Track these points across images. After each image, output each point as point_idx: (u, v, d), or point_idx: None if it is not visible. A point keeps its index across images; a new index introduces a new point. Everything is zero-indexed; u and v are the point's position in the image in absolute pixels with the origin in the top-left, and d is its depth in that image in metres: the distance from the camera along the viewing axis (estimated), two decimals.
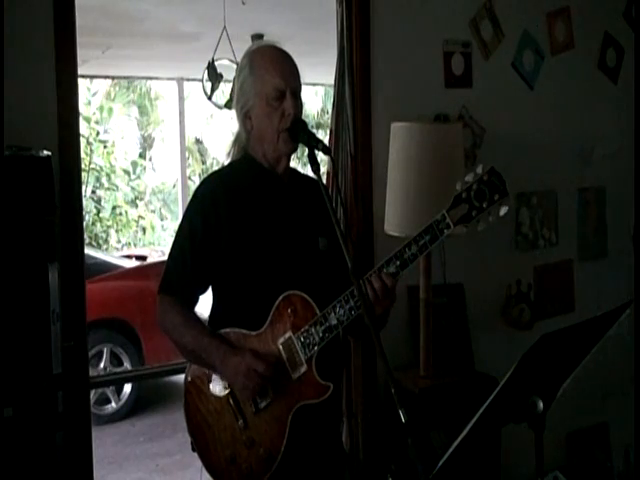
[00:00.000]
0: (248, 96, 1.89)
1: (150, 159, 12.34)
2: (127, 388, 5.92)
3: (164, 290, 1.91)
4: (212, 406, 1.88)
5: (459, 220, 1.69)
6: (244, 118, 1.92)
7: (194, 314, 1.90)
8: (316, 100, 12.19)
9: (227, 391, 1.85)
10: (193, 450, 1.93)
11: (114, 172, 11.22)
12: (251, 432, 1.83)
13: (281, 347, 1.81)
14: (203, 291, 1.95)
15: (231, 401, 1.84)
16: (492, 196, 1.68)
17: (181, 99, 9.06)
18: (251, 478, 1.82)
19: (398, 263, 1.73)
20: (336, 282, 1.87)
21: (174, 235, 1.97)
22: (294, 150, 1.92)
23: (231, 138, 2.04)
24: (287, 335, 1.81)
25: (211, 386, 1.89)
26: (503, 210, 1.68)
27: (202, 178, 2.06)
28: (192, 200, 1.94)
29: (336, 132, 2.84)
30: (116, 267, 6.62)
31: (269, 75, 1.86)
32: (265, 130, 1.89)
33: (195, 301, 1.93)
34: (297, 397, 1.80)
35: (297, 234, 1.92)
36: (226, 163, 2.03)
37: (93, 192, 10.98)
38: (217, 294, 1.95)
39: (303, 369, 1.79)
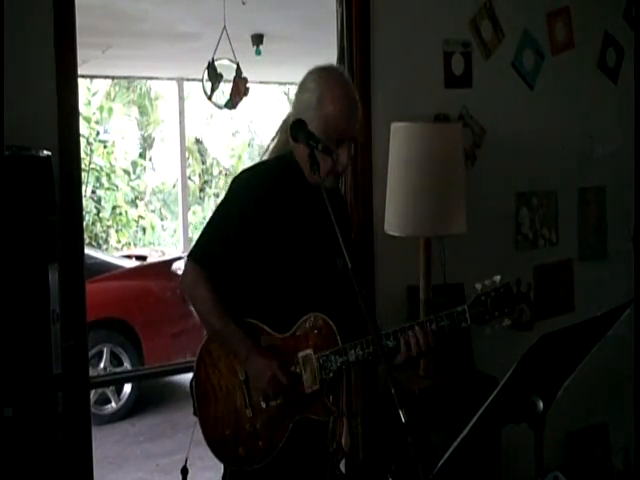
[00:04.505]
0: (309, 120, 1.84)
1: (150, 159, 12.32)
2: (127, 388, 5.90)
3: (199, 261, 1.89)
4: (224, 382, 1.92)
5: (474, 319, 1.84)
6: None
7: (222, 296, 1.89)
8: None
9: (242, 378, 1.90)
10: (194, 414, 1.96)
11: (114, 172, 11.19)
12: (256, 422, 1.89)
13: (301, 360, 1.87)
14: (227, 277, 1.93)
15: (244, 387, 1.89)
16: (503, 309, 1.85)
17: (181, 99, 9.05)
18: (245, 461, 1.89)
19: None
20: (351, 304, 1.92)
21: (216, 210, 1.94)
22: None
23: (279, 122, 2.01)
24: (308, 352, 1.87)
25: (226, 367, 1.92)
26: (506, 322, 1.84)
27: (253, 164, 2.04)
28: (245, 186, 1.91)
29: None
30: (116, 267, 6.60)
31: (335, 119, 1.84)
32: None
33: (220, 284, 1.91)
34: (304, 409, 1.88)
35: (322, 249, 1.93)
36: (271, 146, 2.02)
37: (93, 192, 10.96)
38: (239, 286, 1.93)
39: (315, 387, 1.86)
